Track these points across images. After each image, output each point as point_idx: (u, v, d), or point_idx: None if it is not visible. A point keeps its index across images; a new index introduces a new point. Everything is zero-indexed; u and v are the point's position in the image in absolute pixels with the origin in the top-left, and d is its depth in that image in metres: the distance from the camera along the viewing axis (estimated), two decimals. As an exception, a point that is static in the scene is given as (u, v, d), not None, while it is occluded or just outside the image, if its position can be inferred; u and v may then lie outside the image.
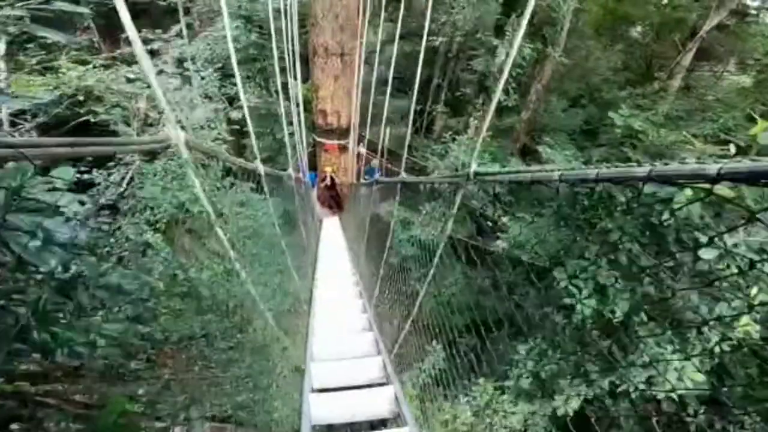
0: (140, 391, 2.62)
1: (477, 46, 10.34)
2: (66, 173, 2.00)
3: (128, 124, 5.57)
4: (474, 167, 2.24)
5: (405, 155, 5.32)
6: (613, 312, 5.18)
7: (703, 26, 11.11)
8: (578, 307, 5.18)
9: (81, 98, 6.60)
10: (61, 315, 1.68)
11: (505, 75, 2.06)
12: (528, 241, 6.02)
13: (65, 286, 1.71)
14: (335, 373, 3.68)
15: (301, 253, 6.04)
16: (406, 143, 4.80)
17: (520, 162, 7.39)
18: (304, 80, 10.39)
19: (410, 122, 4.76)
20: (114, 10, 1.42)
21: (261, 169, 3.58)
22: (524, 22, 1.85)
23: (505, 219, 6.14)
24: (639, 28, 14.58)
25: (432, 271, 3.14)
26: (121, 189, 4.46)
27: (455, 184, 2.64)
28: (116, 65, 7.45)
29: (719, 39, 13.33)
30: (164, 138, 1.70)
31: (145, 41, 8.42)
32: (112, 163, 4.86)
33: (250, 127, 3.79)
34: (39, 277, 1.59)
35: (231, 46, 3.11)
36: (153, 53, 8.93)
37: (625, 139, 11.22)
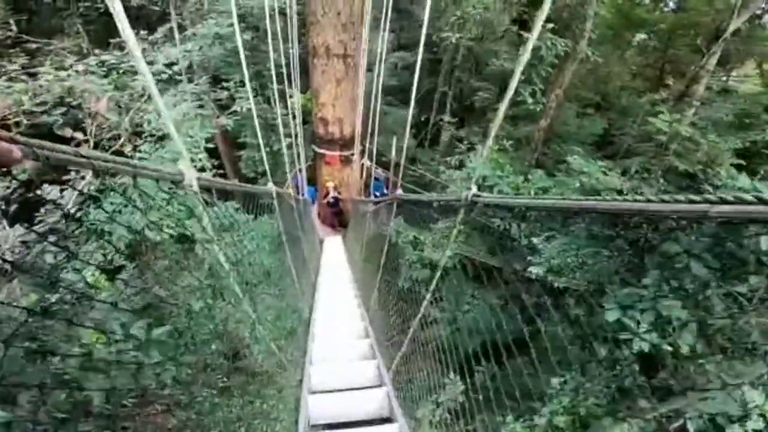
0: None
1: (491, 48, 9.74)
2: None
3: (81, 129, 4.74)
4: (473, 190, 2.13)
5: (402, 168, 4.60)
6: (673, 345, 4.47)
7: (726, 28, 10.45)
8: (634, 341, 4.40)
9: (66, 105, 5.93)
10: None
11: (520, 70, 1.79)
12: (566, 266, 5.16)
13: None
14: (334, 405, 3.53)
15: (299, 279, 5.33)
16: (402, 155, 4.09)
17: (542, 174, 6.55)
18: (304, 90, 9.69)
19: (407, 132, 4.06)
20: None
21: (274, 190, 3.32)
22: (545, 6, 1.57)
23: (537, 240, 5.29)
24: (644, 35, 14.02)
25: (443, 295, 3.07)
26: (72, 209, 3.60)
27: (453, 206, 2.49)
28: (103, 70, 6.78)
29: (734, 42, 12.80)
30: (178, 171, 1.72)
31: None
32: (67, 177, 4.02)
33: (261, 140, 3.08)
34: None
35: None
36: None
37: (645, 146, 10.62)
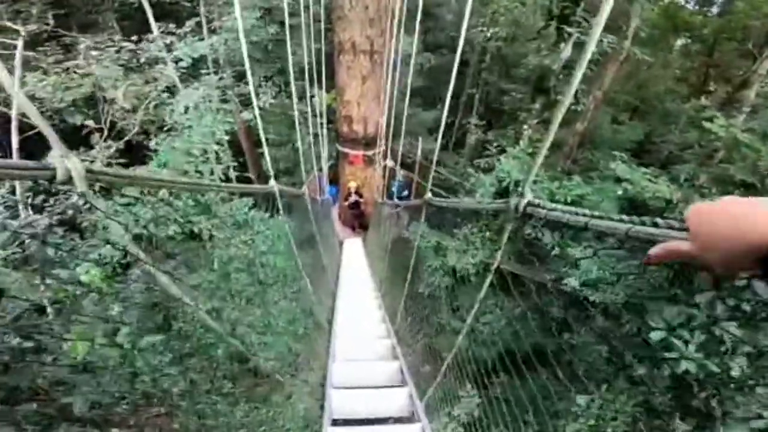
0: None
1: (520, 50, 9.27)
2: None
3: (94, 119, 4.60)
4: (528, 197, 1.65)
5: (431, 171, 4.18)
6: (721, 367, 4.02)
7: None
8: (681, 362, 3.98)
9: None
10: None
11: (583, 67, 1.42)
12: (603, 279, 4.70)
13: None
14: (356, 402, 3.51)
15: (318, 282, 5.12)
16: (434, 157, 3.69)
17: (579, 180, 6.07)
18: (329, 88, 9.47)
19: (440, 135, 3.62)
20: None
21: (276, 188, 3.11)
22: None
23: (575, 252, 4.85)
24: (686, 39, 13.27)
25: (476, 306, 2.72)
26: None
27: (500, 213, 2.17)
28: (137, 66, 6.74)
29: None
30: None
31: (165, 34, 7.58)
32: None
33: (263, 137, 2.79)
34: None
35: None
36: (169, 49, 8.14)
37: (688, 154, 9.95)
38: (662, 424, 4.62)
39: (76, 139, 5.30)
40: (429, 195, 2.77)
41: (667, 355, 3.93)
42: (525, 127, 6.91)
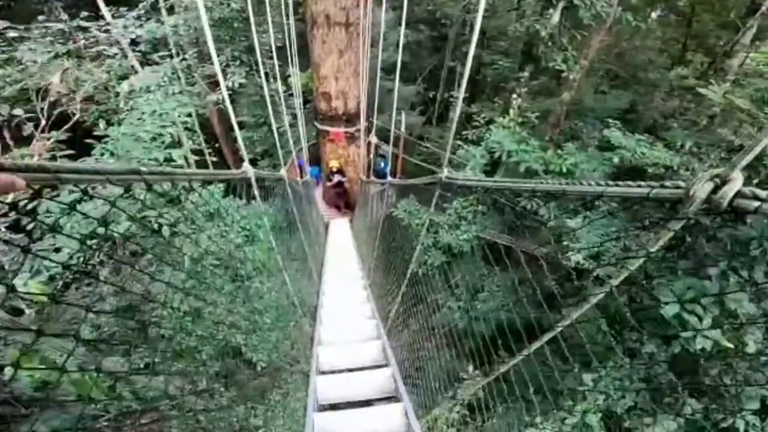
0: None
1: (501, 18, 8.89)
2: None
3: (24, 101, 4.10)
4: (446, 172, 2.40)
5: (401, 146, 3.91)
6: (738, 344, 3.95)
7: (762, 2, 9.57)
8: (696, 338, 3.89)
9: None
10: None
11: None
12: (606, 252, 4.50)
13: None
14: (340, 385, 3.45)
15: (302, 269, 4.97)
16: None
17: (574, 147, 5.83)
18: (304, 68, 8.95)
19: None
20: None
21: (251, 172, 2.71)
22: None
23: (572, 223, 4.62)
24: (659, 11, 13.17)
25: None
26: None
27: (431, 186, 2.78)
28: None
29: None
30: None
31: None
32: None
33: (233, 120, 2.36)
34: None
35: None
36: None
37: (670, 119, 9.87)
38: (671, 402, 4.54)
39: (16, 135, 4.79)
40: (446, 171, 2.39)
41: (682, 333, 3.78)
42: (514, 96, 6.60)
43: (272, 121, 4.21)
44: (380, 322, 4.37)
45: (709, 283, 3.75)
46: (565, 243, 4.57)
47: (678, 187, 1.09)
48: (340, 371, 3.68)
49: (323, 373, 3.66)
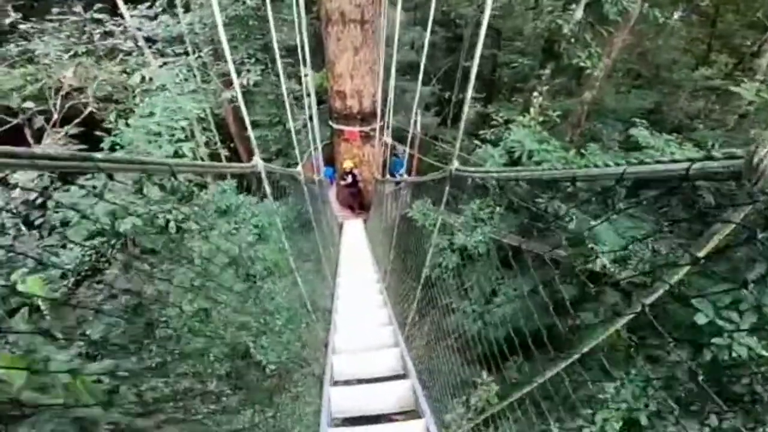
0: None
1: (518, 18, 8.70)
2: None
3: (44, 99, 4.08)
4: (455, 164, 2.34)
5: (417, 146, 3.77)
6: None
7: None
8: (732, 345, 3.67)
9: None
10: None
11: None
12: (633, 254, 4.28)
13: None
14: (356, 397, 3.28)
15: (316, 269, 4.88)
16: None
17: (597, 147, 5.60)
18: (319, 68, 8.88)
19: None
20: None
21: (261, 166, 2.60)
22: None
23: (596, 223, 4.40)
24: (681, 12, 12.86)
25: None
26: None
27: (442, 182, 2.66)
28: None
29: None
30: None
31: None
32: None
33: (246, 117, 2.26)
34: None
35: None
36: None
37: (695, 120, 9.55)
38: (698, 411, 4.29)
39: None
40: (456, 164, 2.29)
41: (716, 341, 3.54)
42: (535, 94, 6.40)
43: (289, 119, 4.12)
44: (398, 329, 4.16)
45: (745, 289, 3.51)
46: (590, 246, 4.36)
47: (733, 157, 0.78)
48: (356, 382, 3.50)
49: (338, 383, 3.47)
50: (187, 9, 8.00)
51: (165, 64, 6.64)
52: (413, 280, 4.68)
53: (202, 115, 4.32)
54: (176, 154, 2.86)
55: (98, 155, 0.87)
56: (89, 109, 4.41)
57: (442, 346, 3.51)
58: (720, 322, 3.53)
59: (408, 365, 3.49)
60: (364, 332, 4.23)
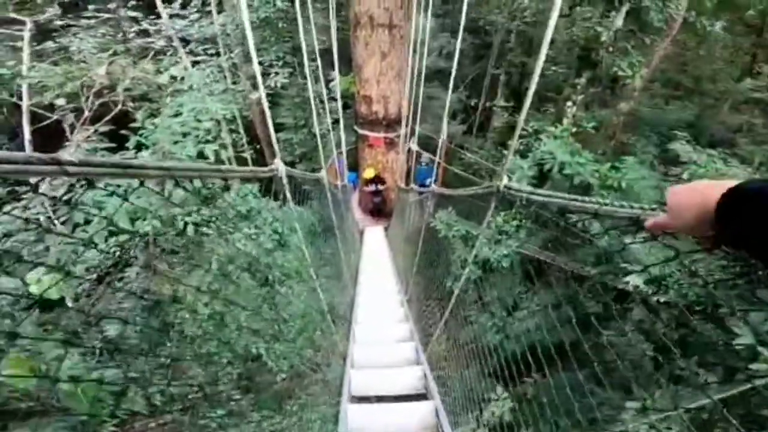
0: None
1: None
2: None
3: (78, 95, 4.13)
4: (505, 181, 2.01)
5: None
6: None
7: None
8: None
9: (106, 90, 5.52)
10: None
11: None
12: (670, 276, 4.02)
13: None
14: (375, 416, 3.15)
15: (336, 278, 4.81)
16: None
17: (634, 161, 5.32)
18: (346, 72, 8.87)
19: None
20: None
21: (282, 169, 2.45)
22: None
23: (634, 245, 4.16)
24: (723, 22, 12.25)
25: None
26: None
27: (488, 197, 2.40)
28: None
29: None
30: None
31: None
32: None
33: (269, 120, 2.19)
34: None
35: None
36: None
37: (737, 133, 9.04)
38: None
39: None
40: (505, 179, 2.00)
41: (756, 366, 3.27)
42: (568, 103, 6.15)
43: (315, 123, 4.06)
44: (420, 345, 4.04)
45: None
46: (622, 265, 4.11)
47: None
48: (375, 399, 3.40)
49: (355, 399, 3.37)
50: (221, 10, 8.14)
51: (197, 63, 6.75)
52: (439, 294, 4.52)
53: (229, 117, 4.31)
54: (200, 156, 2.83)
55: (175, 164, 0.79)
56: (119, 107, 4.48)
57: (473, 369, 3.28)
58: (759, 348, 3.28)
59: (431, 385, 3.36)
60: (384, 346, 4.12)
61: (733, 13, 11.18)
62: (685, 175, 4.69)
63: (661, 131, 9.00)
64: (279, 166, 2.20)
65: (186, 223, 2.60)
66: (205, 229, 2.66)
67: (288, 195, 2.54)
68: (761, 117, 10.22)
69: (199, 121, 3.00)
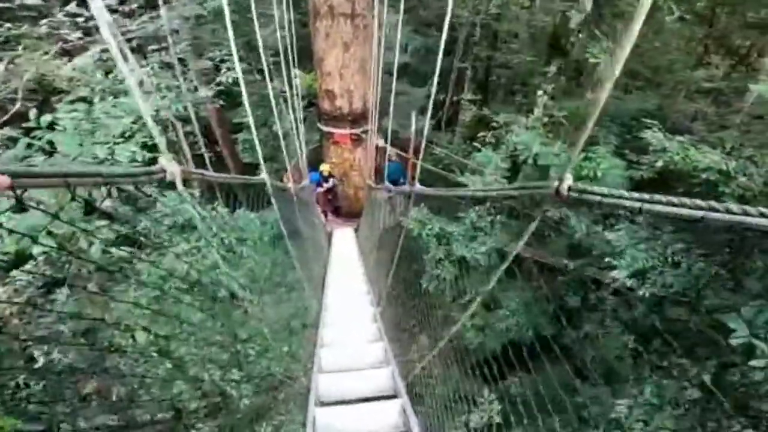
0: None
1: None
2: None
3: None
4: (569, 181, 1.41)
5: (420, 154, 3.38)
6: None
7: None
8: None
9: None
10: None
11: None
12: (652, 269, 3.88)
13: None
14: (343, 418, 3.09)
15: (299, 281, 4.41)
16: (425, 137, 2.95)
17: (606, 152, 5.22)
18: (309, 68, 8.45)
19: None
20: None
21: (268, 181, 2.59)
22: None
23: (611, 235, 4.01)
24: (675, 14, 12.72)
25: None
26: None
27: (535, 200, 1.87)
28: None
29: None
30: (158, 169, 1.37)
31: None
32: None
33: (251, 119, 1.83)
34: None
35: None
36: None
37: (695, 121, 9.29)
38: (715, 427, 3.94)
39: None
40: (417, 186, 1.78)
41: (755, 363, 3.17)
42: (539, 93, 5.99)
43: (276, 122, 3.75)
44: (388, 345, 3.99)
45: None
46: (607, 260, 3.95)
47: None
48: (344, 403, 3.28)
49: (324, 404, 3.26)
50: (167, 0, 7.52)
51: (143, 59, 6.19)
52: (411, 293, 4.31)
53: (182, 116, 3.87)
54: (110, 157, 2.39)
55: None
56: (18, 105, 3.96)
57: (441, 362, 3.23)
58: (754, 341, 3.17)
59: (398, 384, 3.35)
60: (353, 349, 4.03)
61: (687, 3, 11.54)
62: (659, 163, 4.60)
63: (623, 121, 9.09)
64: (265, 176, 2.03)
65: (90, 243, 2.16)
66: (127, 248, 2.24)
67: (273, 202, 2.31)
68: (713, 105, 10.58)
69: (114, 118, 2.55)
